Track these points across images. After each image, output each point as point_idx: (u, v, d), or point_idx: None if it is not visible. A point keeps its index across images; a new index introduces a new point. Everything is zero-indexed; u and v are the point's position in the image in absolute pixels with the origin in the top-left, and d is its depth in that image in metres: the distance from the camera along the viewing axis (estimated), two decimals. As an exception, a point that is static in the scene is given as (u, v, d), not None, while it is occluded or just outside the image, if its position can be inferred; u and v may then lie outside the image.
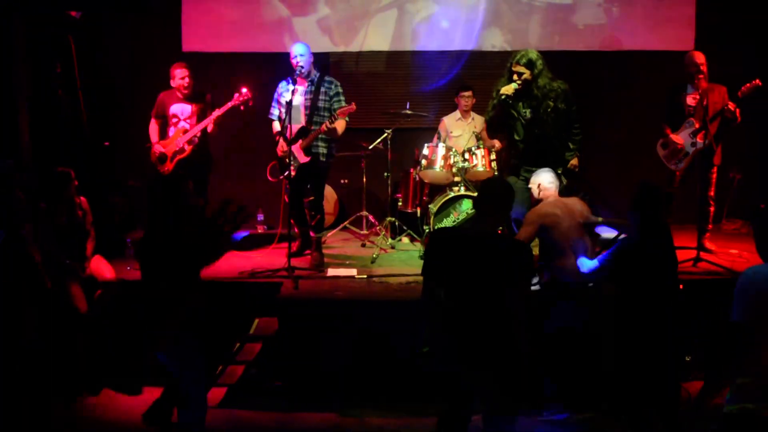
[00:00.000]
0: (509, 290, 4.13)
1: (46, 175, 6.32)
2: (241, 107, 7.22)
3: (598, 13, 8.95)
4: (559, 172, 6.38)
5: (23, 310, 5.11)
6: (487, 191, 4.36)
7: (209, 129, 7.27)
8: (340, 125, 6.91)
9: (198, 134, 7.29)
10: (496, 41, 8.98)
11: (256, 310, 6.28)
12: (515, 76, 6.29)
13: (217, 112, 7.18)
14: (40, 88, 7.53)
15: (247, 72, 8.70)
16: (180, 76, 7.30)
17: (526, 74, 6.26)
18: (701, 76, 7.13)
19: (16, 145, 6.72)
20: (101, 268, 6.38)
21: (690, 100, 7.25)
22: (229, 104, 7.19)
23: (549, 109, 6.30)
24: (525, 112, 6.35)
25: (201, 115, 7.30)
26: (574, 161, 6.68)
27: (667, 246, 4.92)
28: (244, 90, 7.20)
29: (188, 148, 7.30)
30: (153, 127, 7.51)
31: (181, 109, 7.38)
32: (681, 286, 6.17)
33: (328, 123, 6.79)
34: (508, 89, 6.26)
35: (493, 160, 7.56)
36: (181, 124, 7.35)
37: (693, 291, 6.19)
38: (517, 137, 6.44)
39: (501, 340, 4.09)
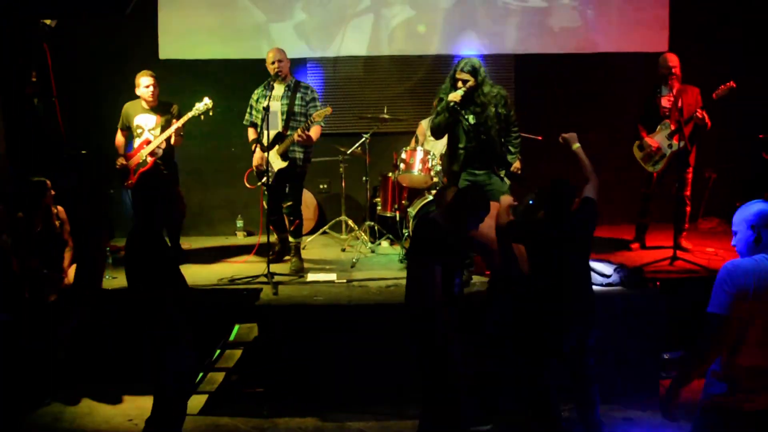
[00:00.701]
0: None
1: (22, 184, 6.29)
2: (201, 117, 7.12)
3: (573, 15, 9.01)
4: (502, 174, 6.46)
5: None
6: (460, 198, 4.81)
7: (173, 140, 7.13)
8: (315, 131, 6.95)
9: (162, 146, 7.12)
10: (473, 45, 9.00)
11: (236, 317, 6.27)
12: (459, 83, 6.34)
13: (176, 124, 7.06)
14: (15, 97, 7.49)
15: (225, 78, 8.73)
16: (144, 85, 7.13)
17: (471, 81, 6.32)
18: (675, 77, 7.24)
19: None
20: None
21: (665, 102, 7.34)
22: (189, 114, 7.08)
23: (492, 114, 6.36)
24: (468, 118, 6.39)
25: (165, 126, 7.12)
26: (517, 164, 6.79)
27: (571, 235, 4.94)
28: (206, 99, 7.11)
29: (150, 161, 7.12)
30: (119, 139, 7.37)
31: (145, 120, 7.21)
32: (658, 284, 6.26)
33: (301, 131, 6.80)
34: (455, 96, 6.31)
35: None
36: (145, 135, 7.18)
37: (670, 289, 6.25)
38: (460, 144, 6.46)
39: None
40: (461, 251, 4.99)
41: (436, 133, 6.66)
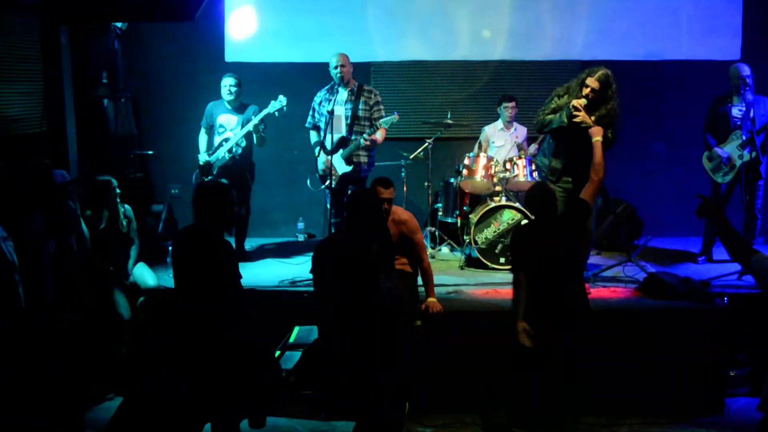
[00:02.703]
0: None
1: (89, 183, 6.42)
2: (276, 113, 7.27)
3: (642, 22, 8.85)
4: None
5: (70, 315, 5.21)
6: (354, 204, 4.70)
7: (255, 140, 7.34)
8: (380, 134, 6.96)
9: (241, 144, 7.35)
10: (539, 51, 8.92)
11: (295, 319, 6.29)
12: (588, 90, 6.05)
13: (253, 121, 7.26)
14: (86, 98, 7.66)
15: (288, 81, 8.78)
16: (226, 84, 7.41)
17: (598, 90, 6.03)
18: (747, 87, 7.06)
19: (64, 155, 6.84)
20: (144, 275, 6.47)
21: (736, 112, 7.17)
22: (264, 111, 7.25)
23: (608, 134, 6.03)
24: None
25: (245, 126, 7.36)
26: None
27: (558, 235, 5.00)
28: (280, 97, 7.25)
29: (228, 158, 7.37)
30: (202, 137, 7.62)
31: (227, 119, 7.47)
32: (725, 299, 6.11)
33: (369, 135, 6.82)
34: (579, 102, 6.01)
35: (534, 170, 7.52)
36: (225, 133, 7.44)
37: (738, 304, 6.10)
38: (561, 147, 6.29)
39: None
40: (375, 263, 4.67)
41: (542, 129, 6.45)
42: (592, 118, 6.01)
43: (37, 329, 5.03)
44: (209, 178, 7.35)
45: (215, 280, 4.42)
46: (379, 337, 4.51)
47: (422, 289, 5.98)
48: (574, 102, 6.06)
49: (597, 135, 5.66)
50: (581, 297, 5.04)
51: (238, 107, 7.47)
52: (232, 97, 7.41)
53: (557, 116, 6.18)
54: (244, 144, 7.37)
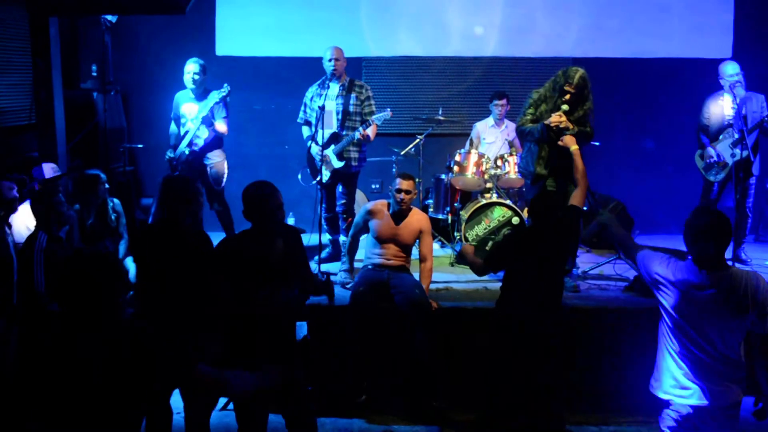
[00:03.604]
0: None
1: (77, 177, 6.38)
2: (217, 103, 6.97)
3: (634, 20, 8.86)
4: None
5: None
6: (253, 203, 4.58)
7: (217, 127, 7.02)
8: (372, 130, 6.93)
9: (203, 135, 7.04)
10: (530, 47, 8.92)
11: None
12: (568, 96, 6.06)
13: (201, 113, 6.97)
14: (76, 91, 7.61)
15: (280, 75, 8.76)
16: (187, 71, 7.06)
17: (576, 93, 6.05)
18: (738, 85, 7.06)
19: (53, 148, 6.80)
20: (133, 269, 6.42)
21: (727, 110, 7.17)
22: (211, 102, 6.97)
23: (587, 129, 6.12)
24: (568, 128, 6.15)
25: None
26: None
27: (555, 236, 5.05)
28: (225, 85, 7.00)
29: (188, 153, 7.09)
30: (172, 129, 7.31)
31: (189, 109, 7.12)
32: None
33: (363, 130, 6.79)
34: (560, 113, 6.02)
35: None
36: (187, 124, 7.10)
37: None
38: (543, 153, 6.28)
39: None
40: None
41: (522, 137, 6.52)
42: (572, 118, 6.06)
43: (30, 322, 5.02)
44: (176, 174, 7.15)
45: (192, 270, 4.50)
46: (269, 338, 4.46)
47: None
48: (556, 115, 6.05)
49: (572, 144, 5.71)
50: (558, 296, 5.14)
51: (202, 94, 7.10)
52: (194, 86, 7.05)
53: (537, 127, 6.18)
54: (205, 135, 7.04)
